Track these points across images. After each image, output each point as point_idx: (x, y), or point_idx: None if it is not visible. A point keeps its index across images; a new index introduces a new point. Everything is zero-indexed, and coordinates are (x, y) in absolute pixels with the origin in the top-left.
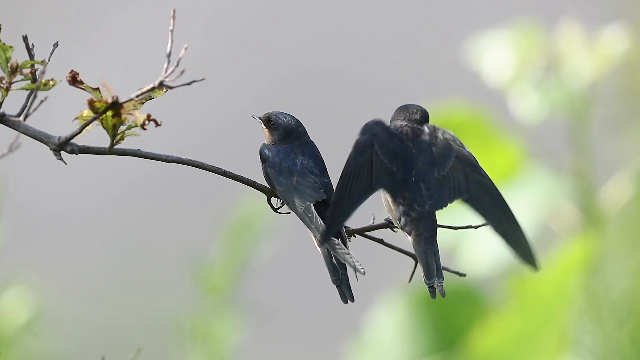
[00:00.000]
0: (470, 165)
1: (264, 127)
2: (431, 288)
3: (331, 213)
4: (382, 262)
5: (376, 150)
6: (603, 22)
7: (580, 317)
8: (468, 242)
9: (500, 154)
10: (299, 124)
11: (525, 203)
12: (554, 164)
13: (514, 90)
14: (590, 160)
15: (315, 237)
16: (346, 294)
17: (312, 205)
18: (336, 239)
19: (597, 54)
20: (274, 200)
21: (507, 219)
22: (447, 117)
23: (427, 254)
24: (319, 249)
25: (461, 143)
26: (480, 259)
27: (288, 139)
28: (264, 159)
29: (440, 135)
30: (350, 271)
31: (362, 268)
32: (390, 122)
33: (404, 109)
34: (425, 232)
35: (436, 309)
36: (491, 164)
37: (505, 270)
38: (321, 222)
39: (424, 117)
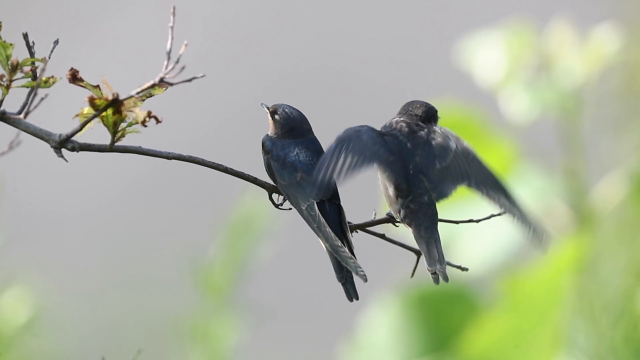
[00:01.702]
0: (470, 154)
1: (270, 118)
2: (434, 275)
3: (319, 171)
4: (382, 259)
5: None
6: (600, 22)
7: (574, 316)
8: (461, 242)
9: (492, 153)
10: (304, 121)
11: None
12: (546, 163)
13: (506, 90)
14: (583, 160)
15: (317, 235)
16: (351, 292)
17: (315, 203)
18: (340, 242)
19: (589, 53)
20: (275, 196)
21: (509, 201)
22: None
23: (428, 242)
24: (324, 246)
25: (459, 137)
26: (473, 259)
27: (292, 134)
28: (266, 150)
29: (438, 130)
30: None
31: (364, 274)
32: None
33: (409, 104)
34: (425, 221)
35: (429, 309)
36: None
37: (498, 270)
38: (324, 221)
39: (427, 113)
